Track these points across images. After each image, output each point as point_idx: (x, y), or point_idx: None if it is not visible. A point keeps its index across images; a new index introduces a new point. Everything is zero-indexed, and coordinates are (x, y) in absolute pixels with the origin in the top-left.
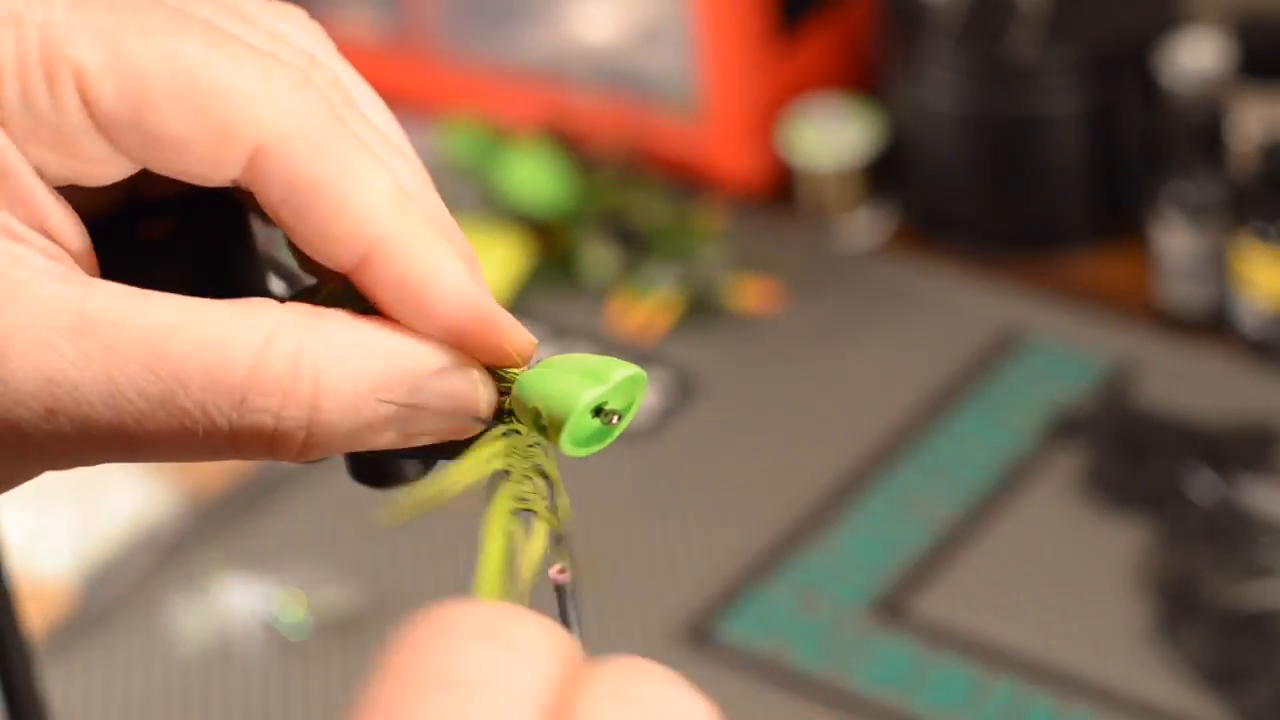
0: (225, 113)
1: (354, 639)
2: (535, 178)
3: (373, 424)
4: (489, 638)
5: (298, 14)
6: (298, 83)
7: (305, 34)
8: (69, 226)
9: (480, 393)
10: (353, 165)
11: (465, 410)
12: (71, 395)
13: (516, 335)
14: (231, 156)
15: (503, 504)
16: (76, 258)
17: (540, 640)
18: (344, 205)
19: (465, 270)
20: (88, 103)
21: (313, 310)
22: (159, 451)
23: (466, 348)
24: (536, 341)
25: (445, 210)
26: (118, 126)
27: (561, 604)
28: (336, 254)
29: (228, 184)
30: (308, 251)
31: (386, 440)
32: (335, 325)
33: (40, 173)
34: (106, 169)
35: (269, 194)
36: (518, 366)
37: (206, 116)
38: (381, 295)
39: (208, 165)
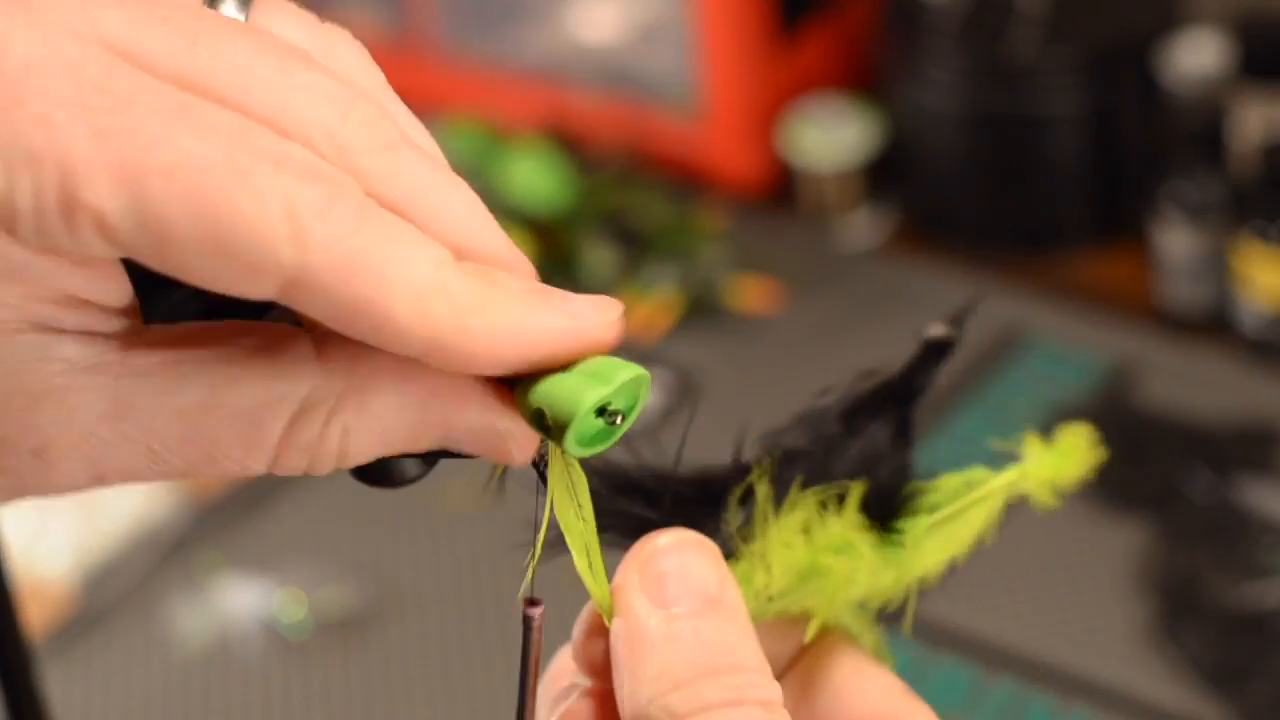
0: (250, 253)
1: (354, 639)
2: (535, 178)
3: (396, 454)
4: None
5: (344, 40)
6: (321, 208)
7: (353, 61)
8: (103, 287)
9: (512, 440)
10: (385, 274)
11: (496, 453)
12: (116, 468)
13: (596, 330)
14: (260, 289)
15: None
16: (117, 309)
17: None
18: (386, 318)
19: (526, 306)
20: (107, 238)
21: (352, 367)
22: (199, 480)
23: (558, 366)
24: (619, 311)
25: (495, 234)
26: (140, 256)
27: (525, 638)
28: (399, 353)
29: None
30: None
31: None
32: (373, 390)
33: None
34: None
35: (311, 315)
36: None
37: (231, 257)
38: (454, 370)
39: (237, 293)
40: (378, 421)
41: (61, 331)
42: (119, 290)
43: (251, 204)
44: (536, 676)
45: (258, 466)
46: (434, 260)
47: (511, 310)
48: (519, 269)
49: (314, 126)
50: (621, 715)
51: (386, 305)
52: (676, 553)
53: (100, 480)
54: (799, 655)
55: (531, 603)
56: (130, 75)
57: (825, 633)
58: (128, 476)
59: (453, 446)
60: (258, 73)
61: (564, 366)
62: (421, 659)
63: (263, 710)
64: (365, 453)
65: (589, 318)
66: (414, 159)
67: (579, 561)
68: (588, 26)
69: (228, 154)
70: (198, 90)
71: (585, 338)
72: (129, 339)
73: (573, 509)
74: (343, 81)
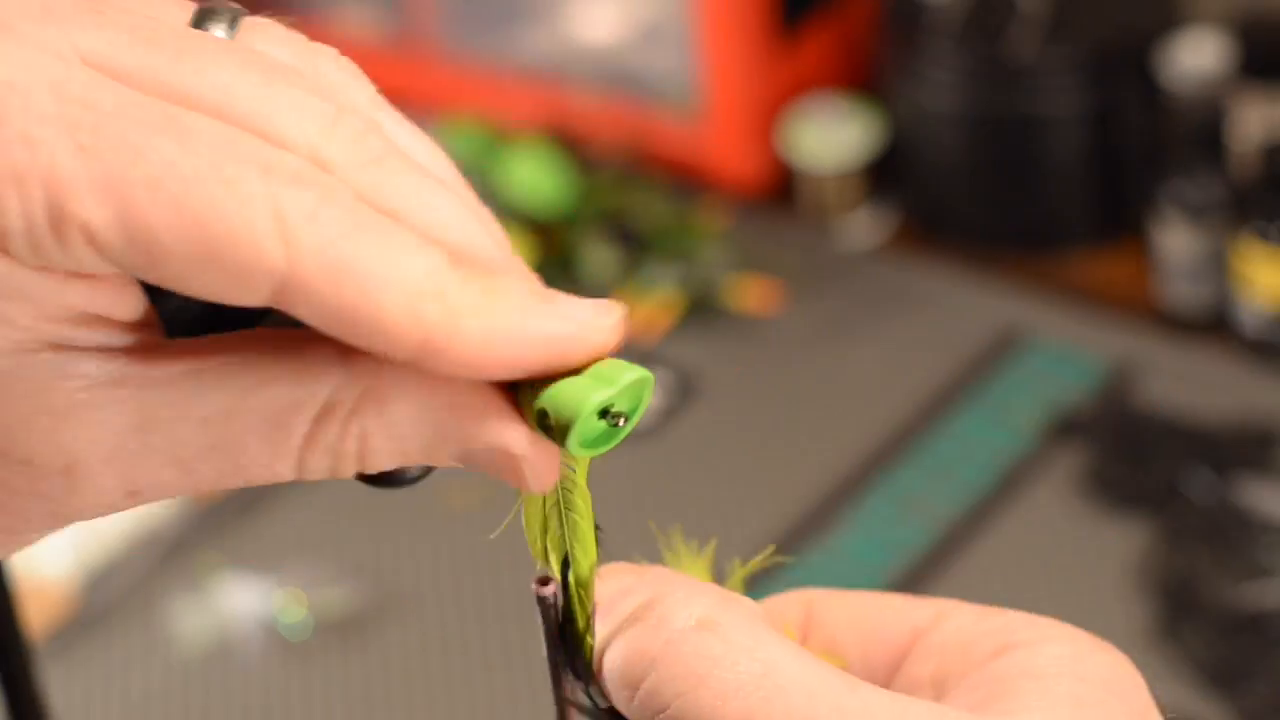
0: (239, 261)
1: (354, 639)
2: (535, 178)
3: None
4: None
5: (331, 56)
6: (311, 211)
7: (340, 76)
8: (114, 300)
9: (529, 468)
10: (377, 277)
11: (510, 468)
12: (147, 482)
13: (595, 335)
14: (251, 295)
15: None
16: (131, 323)
17: None
18: (379, 322)
19: (523, 311)
20: (98, 251)
21: (376, 375)
22: (228, 488)
23: (557, 372)
24: (620, 314)
25: (489, 239)
26: (132, 268)
27: (545, 620)
28: (393, 357)
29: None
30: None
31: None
32: (394, 399)
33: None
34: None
35: (303, 320)
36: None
37: (221, 265)
38: (453, 375)
39: (230, 300)
40: (396, 429)
41: (78, 349)
42: (133, 304)
43: (238, 211)
44: (561, 652)
45: (284, 471)
46: (427, 264)
47: (509, 314)
48: (516, 274)
49: (299, 142)
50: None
51: (378, 309)
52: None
53: (134, 496)
54: (803, 637)
55: (543, 581)
56: (113, 90)
57: (813, 601)
58: (159, 490)
59: (469, 466)
60: (242, 88)
61: (567, 373)
62: (421, 659)
63: (263, 710)
64: (381, 460)
65: (589, 322)
66: (402, 170)
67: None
68: (588, 26)
69: (213, 163)
70: (182, 104)
71: (585, 343)
72: (148, 352)
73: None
74: (328, 98)
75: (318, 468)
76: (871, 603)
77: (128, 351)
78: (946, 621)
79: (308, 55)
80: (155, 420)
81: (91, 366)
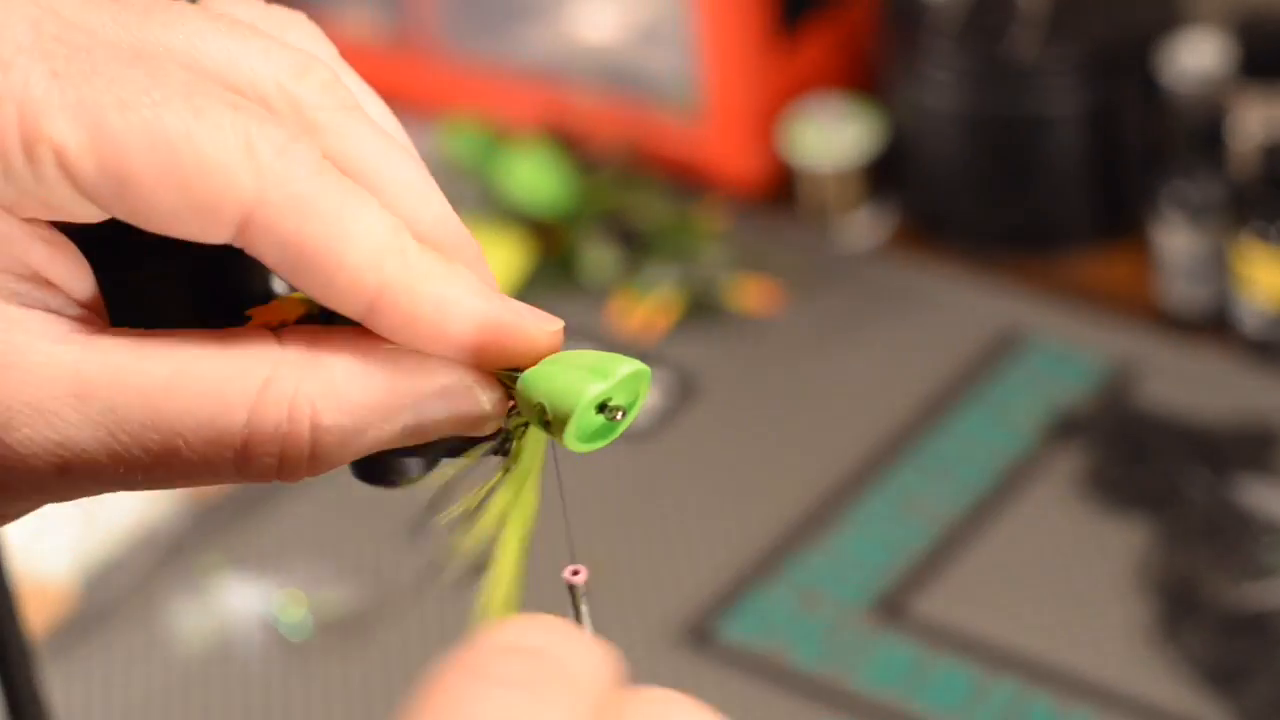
0: (208, 187)
1: (354, 639)
2: (535, 178)
3: (377, 442)
4: (520, 685)
5: (298, 19)
6: (281, 145)
7: (306, 37)
8: (69, 273)
9: (484, 405)
10: (344, 221)
11: (470, 422)
12: (79, 455)
13: (537, 332)
14: (218, 226)
15: (515, 516)
16: (80, 301)
17: (575, 680)
18: (340, 265)
19: (474, 290)
20: (70, 177)
21: (312, 345)
22: (170, 486)
23: (492, 361)
24: (560, 325)
25: (449, 211)
26: (103, 198)
27: (575, 606)
28: (343, 307)
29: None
30: (319, 302)
31: (395, 444)
32: (334, 361)
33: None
34: (95, 218)
35: (264, 257)
36: (548, 356)
37: (190, 191)
38: (397, 338)
39: (196, 233)
40: (343, 395)
41: (27, 306)
42: (85, 283)
43: (210, 137)
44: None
45: (226, 459)
46: (391, 225)
47: (461, 289)
48: (466, 249)
49: (268, 81)
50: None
51: (341, 253)
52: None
53: (64, 470)
54: None
55: (574, 571)
56: (86, 33)
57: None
58: (91, 471)
59: (428, 424)
60: (211, 38)
61: (521, 365)
62: (422, 659)
63: (263, 710)
64: (334, 439)
65: (534, 320)
66: (369, 125)
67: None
68: (588, 26)
69: (185, 93)
70: (151, 54)
71: (528, 336)
72: (93, 326)
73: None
74: (297, 49)
75: (264, 455)
76: None
77: (74, 321)
78: None
79: (272, 16)
80: (94, 387)
81: (37, 324)
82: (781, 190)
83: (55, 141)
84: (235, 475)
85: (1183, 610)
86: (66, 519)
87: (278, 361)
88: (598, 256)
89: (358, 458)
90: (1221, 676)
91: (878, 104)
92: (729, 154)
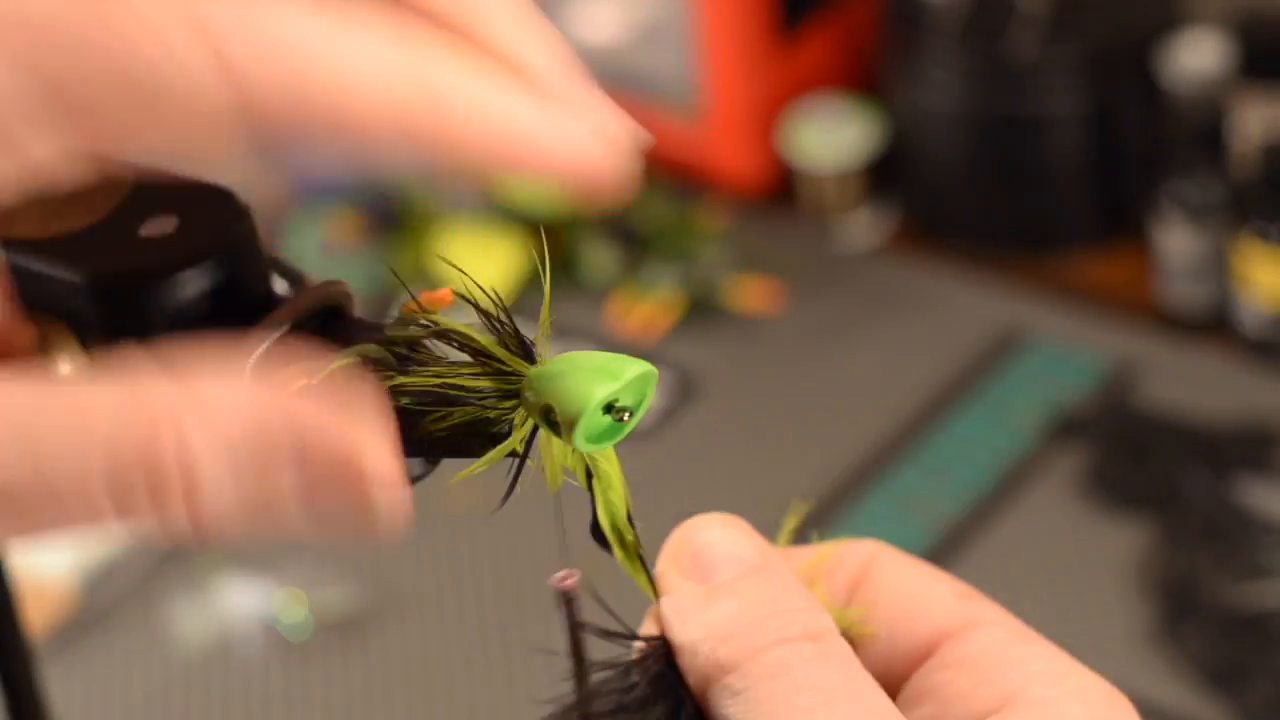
0: (174, 100)
1: (354, 639)
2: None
3: (262, 499)
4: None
5: None
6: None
7: None
8: None
9: (369, 447)
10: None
11: (351, 469)
12: None
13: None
14: (216, 130)
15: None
16: None
17: None
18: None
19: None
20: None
21: (184, 369)
22: (47, 531)
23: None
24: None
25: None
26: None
27: (565, 612)
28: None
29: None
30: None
31: (288, 525)
32: (205, 379)
33: None
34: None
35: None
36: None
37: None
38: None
39: (199, 154)
40: (210, 413)
41: None
42: None
43: (149, 46)
44: (584, 646)
45: (97, 488)
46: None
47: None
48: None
49: None
50: (691, 689)
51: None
52: (705, 529)
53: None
54: (852, 590)
55: (563, 578)
56: None
57: (874, 557)
58: None
59: (316, 493)
60: None
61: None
62: (421, 659)
63: (263, 710)
64: (211, 467)
65: (592, 147)
66: None
67: (618, 553)
68: (588, 26)
69: None
70: None
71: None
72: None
73: (602, 504)
74: None
75: (132, 468)
76: (920, 583)
77: None
78: (974, 635)
79: None
80: None
81: None
82: (781, 190)
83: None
84: (115, 515)
85: (1183, 610)
86: None
87: (145, 376)
88: (598, 256)
89: (256, 537)
90: (1221, 676)
91: (878, 104)
92: (729, 154)
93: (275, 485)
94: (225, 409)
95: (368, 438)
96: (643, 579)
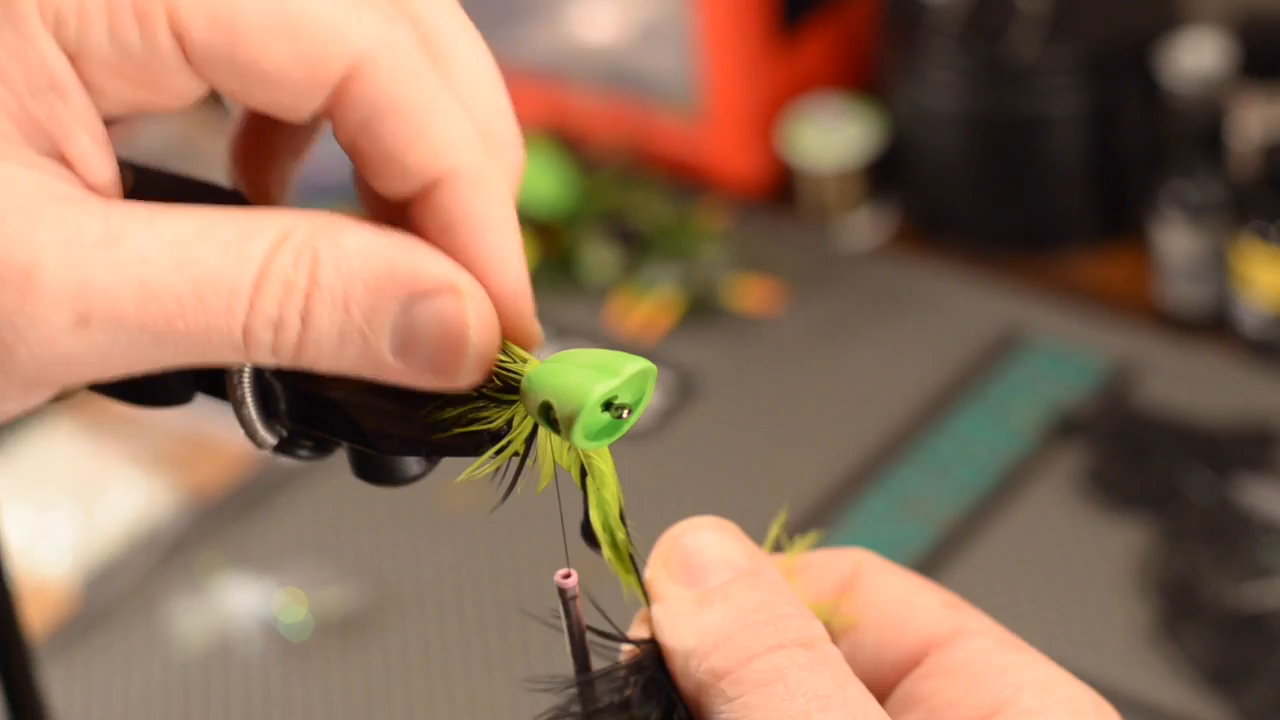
0: (316, 39)
1: (354, 639)
2: (535, 178)
3: (363, 333)
4: None
5: None
6: (389, 14)
7: None
8: (102, 166)
9: (472, 327)
10: (437, 97)
11: (453, 342)
12: (105, 300)
13: (534, 319)
14: (321, 82)
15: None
16: (103, 193)
17: None
18: (424, 131)
19: (517, 232)
20: (180, 38)
21: (330, 216)
22: (180, 353)
23: (495, 294)
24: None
25: (509, 110)
26: (210, 61)
27: (565, 609)
28: (408, 178)
29: (310, 116)
30: (376, 181)
31: (371, 363)
32: (347, 228)
33: (104, 101)
34: (182, 101)
35: (350, 117)
36: (526, 348)
37: (299, 43)
38: (438, 222)
39: (299, 94)
40: (345, 260)
41: (49, 173)
42: (109, 172)
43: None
44: (586, 644)
45: (236, 314)
46: (473, 129)
47: (513, 211)
48: (513, 151)
49: None
50: (683, 694)
51: (428, 119)
52: (696, 533)
53: (84, 325)
54: (839, 594)
55: (565, 575)
56: None
57: (861, 566)
58: (113, 321)
59: (416, 332)
60: None
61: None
62: (421, 659)
63: (263, 710)
64: (331, 295)
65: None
66: (459, 15)
67: (607, 553)
68: (588, 26)
69: None
70: None
71: (527, 297)
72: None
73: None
74: None
75: (272, 296)
76: (907, 591)
77: (98, 190)
78: (962, 643)
79: None
80: (121, 234)
81: (61, 186)
82: (781, 190)
83: (169, 2)
84: (244, 335)
85: (1183, 610)
86: (66, 519)
87: (295, 221)
88: (598, 256)
89: (340, 373)
90: (1221, 676)
91: (878, 104)
92: (729, 154)
93: (374, 334)
94: (361, 256)
95: (475, 323)
96: (632, 579)
